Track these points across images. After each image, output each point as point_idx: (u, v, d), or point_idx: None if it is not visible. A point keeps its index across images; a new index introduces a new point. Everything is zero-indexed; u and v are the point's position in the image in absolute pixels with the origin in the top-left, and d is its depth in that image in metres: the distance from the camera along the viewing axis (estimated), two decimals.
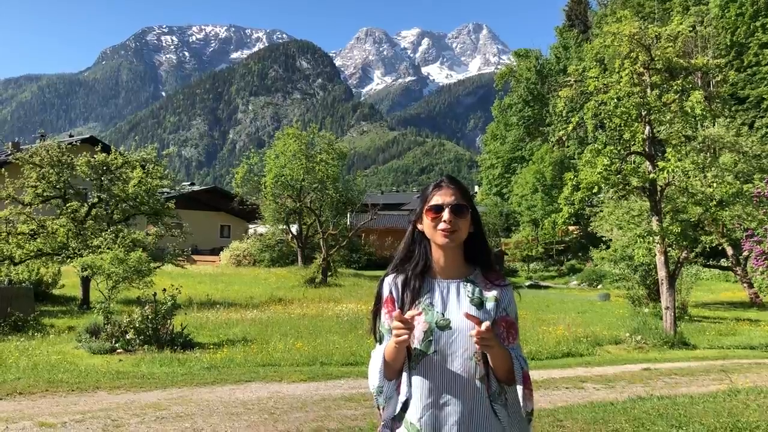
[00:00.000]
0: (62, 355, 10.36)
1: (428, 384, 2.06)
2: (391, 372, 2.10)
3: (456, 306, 2.10)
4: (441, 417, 2.04)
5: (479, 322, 1.96)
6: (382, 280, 2.23)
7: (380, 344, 2.17)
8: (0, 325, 13.06)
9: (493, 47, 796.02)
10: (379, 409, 2.15)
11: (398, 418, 2.12)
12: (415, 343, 2.08)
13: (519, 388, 2.07)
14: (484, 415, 2.07)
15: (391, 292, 2.17)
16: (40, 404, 6.78)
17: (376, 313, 2.22)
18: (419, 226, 2.23)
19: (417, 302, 2.12)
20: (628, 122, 13.36)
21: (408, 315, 1.99)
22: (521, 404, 2.10)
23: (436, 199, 2.16)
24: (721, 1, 37.64)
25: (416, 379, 2.08)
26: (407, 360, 2.09)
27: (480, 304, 2.12)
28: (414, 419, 2.06)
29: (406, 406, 2.09)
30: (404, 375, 2.10)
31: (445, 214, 2.11)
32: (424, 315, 2.08)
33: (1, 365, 9.31)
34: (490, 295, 2.16)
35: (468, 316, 2.00)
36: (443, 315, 2.09)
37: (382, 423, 2.14)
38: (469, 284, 2.16)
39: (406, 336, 1.97)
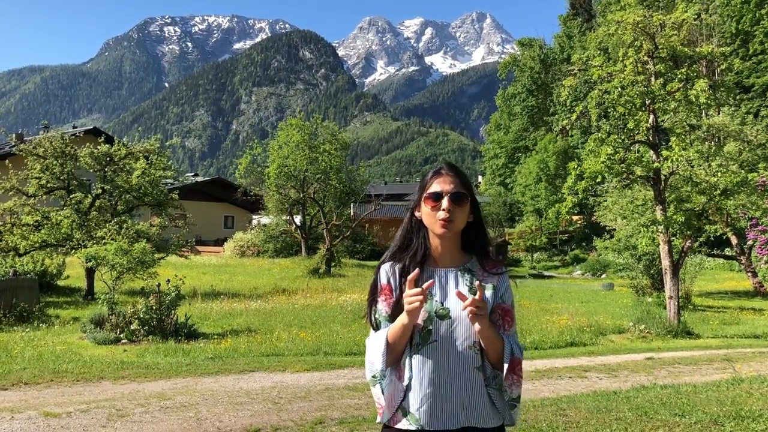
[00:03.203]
0: (67, 346, 10.40)
1: (428, 374, 2.04)
2: (393, 357, 2.07)
3: (455, 295, 2.08)
4: (441, 406, 2.03)
5: (467, 299, 1.97)
6: (379, 267, 2.19)
7: (376, 332, 2.14)
8: (5, 315, 13.13)
9: (497, 36, 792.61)
10: (382, 393, 2.08)
11: (397, 408, 2.09)
12: (415, 334, 2.06)
13: (504, 368, 2.05)
14: (482, 403, 2.07)
15: (389, 280, 2.14)
16: (45, 394, 6.82)
17: (372, 301, 2.19)
18: (417, 214, 2.19)
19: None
20: (632, 111, 13.30)
21: (425, 285, 1.97)
22: (505, 389, 2.09)
23: (435, 186, 2.12)
24: None
25: (416, 369, 2.06)
26: (408, 348, 2.07)
27: (476, 293, 2.09)
28: (414, 409, 2.05)
29: (406, 393, 2.07)
30: (406, 361, 2.07)
31: (444, 203, 2.08)
32: (424, 304, 2.05)
33: (6, 355, 9.36)
34: (488, 284, 2.14)
35: (459, 294, 1.99)
36: (442, 304, 2.07)
37: (385, 411, 2.09)
38: (467, 273, 2.14)
39: (418, 304, 1.94)
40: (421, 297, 1.95)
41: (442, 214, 2.08)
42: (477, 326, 1.99)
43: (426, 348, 2.05)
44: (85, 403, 6.24)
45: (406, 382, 2.06)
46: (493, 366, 2.10)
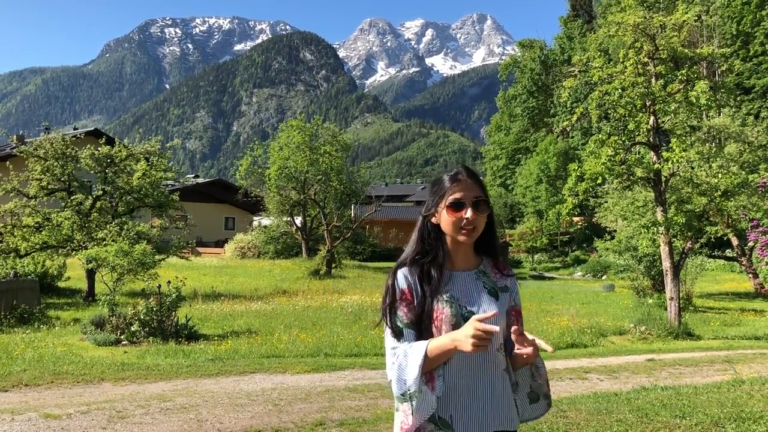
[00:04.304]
0: (67, 347, 10.40)
1: (459, 380, 2.02)
2: (426, 371, 1.98)
3: (477, 298, 2.07)
4: (472, 411, 2.01)
5: (519, 332, 1.99)
6: (395, 271, 2.12)
7: (398, 339, 2.04)
8: (6, 317, 13.13)
9: (498, 38, 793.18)
10: (412, 413, 1.98)
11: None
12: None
13: (540, 365, 2.14)
14: (509, 406, 2.08)
15: (409, 285, 2.07)
16: (45, 396, 6.82)
17: (391, 307, 2.08)
18: (434, 220, 2.14)
19: (438, 295, 2.05)
20: (633, 112, 13.29)
21: (484, 320, 1.87)
22: (544, 388, 2.16)
23: (456, 194, 2.07)
24: None
25: (447, 376, 2.01)
26: None
27: (496, 295, 2.10)
28: (444, 414, 2.01)
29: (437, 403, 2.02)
30: (439, 370, 2.00)
31: (468, 212, 2.04)
32: (449, 309, 2.03)
33: (7, 357, 9.36)
34: (502, 285, 2.15)
35: (517, 334, 1.97)
36: (467, 308, 2.04)
37: (411, 428, 2.00)
38: (482, 275, 2.14)
39: (485, 345, 1.86)
40: (490, 339, 1.87)
41: (465, 223, 2.06)
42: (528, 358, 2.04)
43: (456, 354, 1.99)
44: (85, 405, 6.24)
45: (438, 393, 1.99)
46: (514, 369, 2.14)
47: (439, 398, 1.98)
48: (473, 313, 2.00)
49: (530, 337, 1.98)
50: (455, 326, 2.00)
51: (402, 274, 2.09)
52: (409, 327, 2.04)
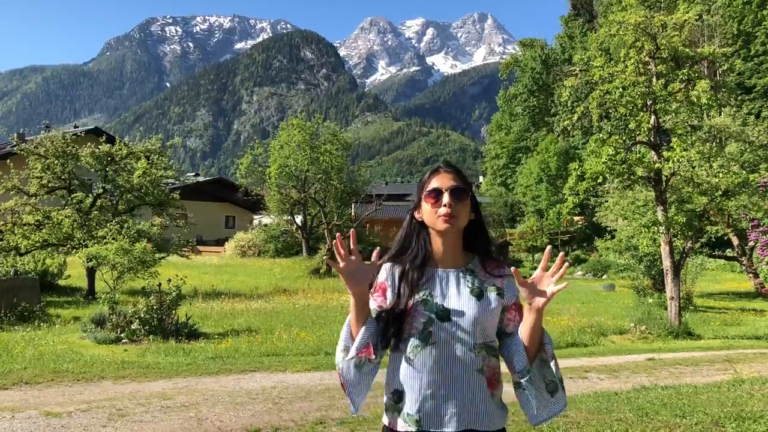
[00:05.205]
0: (68, 345, 10.40)
1: (427, 375, 2.01)
2: (360, 340, 2.05)
3: (456, 296, 2.05)
4: (441, 408, 2.00)
5: (519, 276, 2.00)
6: (379, 265, 2.15)
7: None
8: (6, 315, 13.12)
9: (498, 37, 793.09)
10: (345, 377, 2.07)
11: (394, 410, 2.06)
12: (414, 336, 2.03)
13: (549, 350, 2.10)
14: (484, 405, 2.03)
15: (386, 279, 2.11)
16: (45, 394, 6.82)
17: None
18: (417, 216, 2.15)
19: (416, 294, 2.05)
20: (634, 112, 13.29)
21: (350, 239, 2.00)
22: (554, 372, 2.09)
23: (434, 183, 2.09)
24: None
25: (415, 371, 2.02)
26: (404, 350, 2.04)
27: (480, 295, 2.07)
28: (413, 411, 2.01)
29: (401, 397, 2.04)
30: (401, 363, 2.04)
31: (445, 198, 2.05)
32: (422, 306, 2.02)
33: (7, 355, 9.36)
34: (491, 285, 2.11)
35: (516, 271, 2.02)
36: (443, 306, 2.03)
37: (350, 394, 2.09)
38: (468, 274, 2.11)
39: (338, 259, 1.99)
40: (337, 248, 2.00)
41: (443, 210, 2.05)
42: (541, 304, 2.01)
43: (426, 350, 2.01)
44: (85, 403, 6.24)
45: (399, 387, 2.04)
46: (529, 357, 2.08)
47: (404, 391, 2.03)
48: (448, 311, 2.01)
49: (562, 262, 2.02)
50: (426, 323, 2.01)
51: (384, 268, 2.14)
52: (371, 315, 2.08)
